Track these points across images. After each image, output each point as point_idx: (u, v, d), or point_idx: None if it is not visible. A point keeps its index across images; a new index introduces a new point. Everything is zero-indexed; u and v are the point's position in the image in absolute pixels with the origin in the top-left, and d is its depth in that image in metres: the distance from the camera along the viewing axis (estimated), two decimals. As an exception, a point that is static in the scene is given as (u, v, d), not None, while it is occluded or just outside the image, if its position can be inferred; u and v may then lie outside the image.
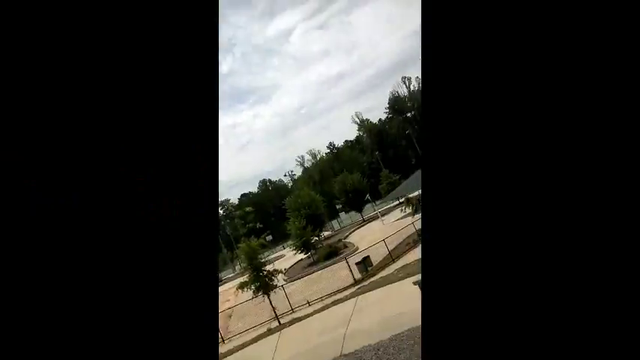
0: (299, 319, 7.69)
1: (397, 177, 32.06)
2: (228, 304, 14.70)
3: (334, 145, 57.51)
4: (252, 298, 10.01)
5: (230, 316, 12.23)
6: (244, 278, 10.43)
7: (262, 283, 9.88)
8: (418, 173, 24.86)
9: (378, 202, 29.56)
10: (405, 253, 10.50)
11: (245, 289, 10.03)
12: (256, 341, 7.48)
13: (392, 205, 27.29)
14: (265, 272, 10.08)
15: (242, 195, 65.18)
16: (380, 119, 53.44)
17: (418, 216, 13.78)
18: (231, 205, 52.44)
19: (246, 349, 7.07)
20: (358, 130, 55.79)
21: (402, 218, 16.38)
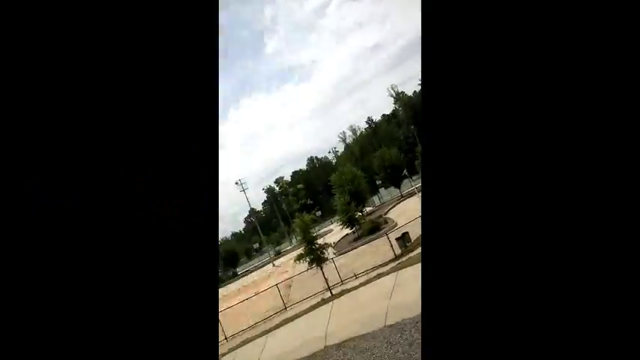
0: (348, 291, 8.47)
1: (438, 150, 31.14)
2: (286, 275, 16.40)
3: (372, 120, 56.69)
4: (307, 269, 11.12)
5: (290, 286, 13.59)
6: (300, 251, 11.85)
7: (315, 256, 11.12)
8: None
9: (414, 178, 29.72)
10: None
11: (301, 261, 11.22)
12: (313, 309, 8.27)
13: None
14: (317, 246, 11.38)
15: (293, 172, 67.17)
16: (415, 91, 51.51)
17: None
18: (285, 183, 54.45)
19: (307, 315, 7.90)
20: (394, 104, 54.29)
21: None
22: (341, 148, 60.79)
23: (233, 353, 8.43)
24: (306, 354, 5.56)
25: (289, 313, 10.08)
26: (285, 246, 39.11)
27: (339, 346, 5.26)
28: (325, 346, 5.60)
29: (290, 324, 8.46)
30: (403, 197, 28.62)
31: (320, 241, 11.84)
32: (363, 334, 5.19)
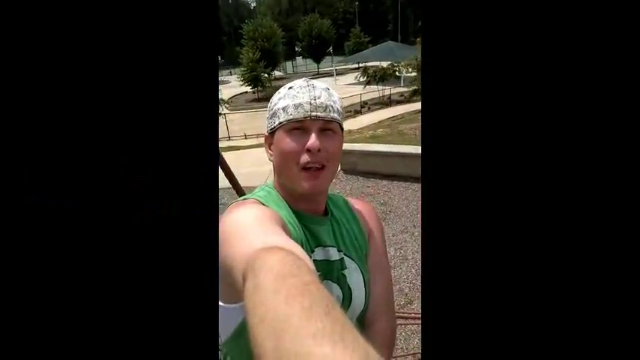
0: (236, 148, 8.52)
1: (367, 39, 30.51)
2: None
3: (314, -25, 49.46)
4: None
5: None
6: None
7: None
8: (387, 44, 23.97)
9: (339, 60, 28.74)
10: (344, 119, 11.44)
11: None
12: None
13: (350, 66, 26.90)
14: None
15: None
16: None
17: (369, 87, 14.34)
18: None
19: None
20: (347, -34, 47.93)
21: (353, 84, 16.81)
22: (266, -6, 52.90)
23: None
24: None
25: None
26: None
27: (222, 189, 5.54)
28: None
29: None
30: (319, 75, 27.67)
31: None
32: (244, 187, 5.37)
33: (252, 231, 0.49)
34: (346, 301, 0.68)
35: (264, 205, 0.65)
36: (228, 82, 27.75)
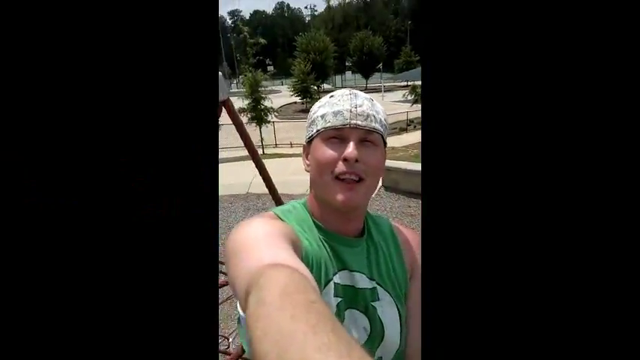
0: (280, 155, 8.79)
1: (417, 58, 30.34)
2: (221, 120, 15.82)
3: (370, -8, 50.29)
4: (245, 123, 11.15)
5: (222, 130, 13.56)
6: (241, 104, 11.30)
7: (258, 116, 10.90)
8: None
9: (387, 77, 28.81)
10: (389, 135, 11.48)
11: (241, 114, 11.06)
12: (243, 160, 8.64)
13: (398, 84, 26.87)
14: (263, 107, 10.97)
15: (255, 12, 59.15)
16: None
17: (416, 106, 14.30)
18: (242, 21, 48.43)
19: (237, 162, 8.04)
20: (403, -15, 48.20)
21: (400, 102, 16.81)
22: (321, 8, 54.64)
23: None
24: (228, 193, 5.90)
25: (219, 154, 9.97)
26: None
27: (259, 195, 5.65)
28: (247, 193, 6.01)
29: (220, 164, 8.47)
30: (367, 90, 27.89)
31: (267, 103, 11.28)
32: (283, 194, 5.38)
33: (257, 246, 0.47)
34: (376, 338, 0.62)
35: (280, 219, 0.62)
36: (278, 91, 28.79)
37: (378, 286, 0.64)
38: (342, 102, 0.61)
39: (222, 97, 0.77)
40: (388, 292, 0.65)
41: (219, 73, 0.75)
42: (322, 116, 0.61)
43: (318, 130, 0.61)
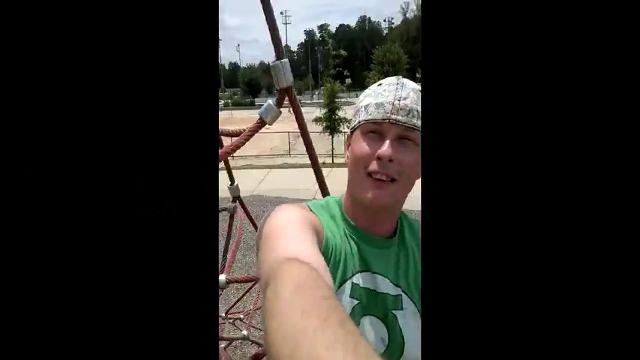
0: None
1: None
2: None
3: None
4: (320, 133, 11.72)
5: (298, 137, 14.68)
6: (318, 114, 12.40)
7: (332, 126, 11.89)
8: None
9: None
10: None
11: (317, 124, 11.91)
12: (312, 167, 9.51)
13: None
14: (337, 117, 11.93)
15: (340, 25, 61.50)
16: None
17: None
18: (328, 34, 50.87)
19: (307, 168, 9.12)
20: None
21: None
22: (398, 21, 54.63)
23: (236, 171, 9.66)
24: (295, 197, 6.48)
25: (291, 160, 11.25)
26: (305, 98, 39.28)
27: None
28: (314, 199, 6.67)
29: (291, 169, 9.61)
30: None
31: (341, 113, 12.08)
32: None
33: (284, 235, 0.49)
34: (395, 351, 0.58)
35: (311, 210, 0.62)
36: (353, 103, 29.42)
37: (404, 294, 0.61)
38: (387, 92, 0.59)
39: (285, 84, 0.79)
40: (414, 302, 0.61)
41: (285, 59, 0.82)
42: (366, 107, 0.59)
43: (359, 122, 0.60)
